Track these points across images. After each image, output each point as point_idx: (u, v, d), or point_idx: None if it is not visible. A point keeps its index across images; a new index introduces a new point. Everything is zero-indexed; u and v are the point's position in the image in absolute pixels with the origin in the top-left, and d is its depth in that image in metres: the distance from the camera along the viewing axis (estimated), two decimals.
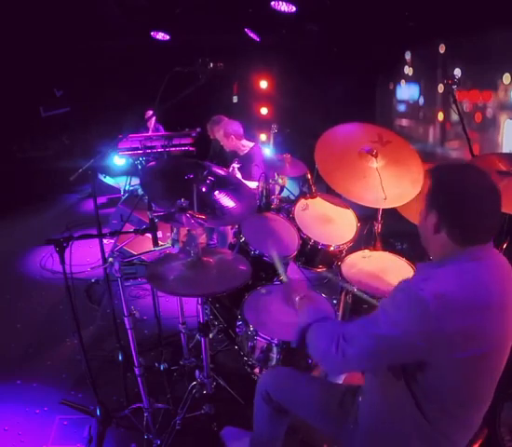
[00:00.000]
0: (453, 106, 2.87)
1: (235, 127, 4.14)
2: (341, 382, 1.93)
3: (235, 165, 3.89)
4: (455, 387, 1.37)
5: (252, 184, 3.68)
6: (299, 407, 1.77)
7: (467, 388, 1.39)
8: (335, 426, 1.67)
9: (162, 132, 5.75)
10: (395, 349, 1.34)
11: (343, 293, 2.59)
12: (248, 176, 3.92)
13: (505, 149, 4.19)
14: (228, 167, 4.15)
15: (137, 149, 4.29)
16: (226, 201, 2.33)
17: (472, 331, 1.29)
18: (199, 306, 2.24)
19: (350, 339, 1.38)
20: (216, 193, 2.35)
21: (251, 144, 4.20)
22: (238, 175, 3.84)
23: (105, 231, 2.32)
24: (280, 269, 2.02)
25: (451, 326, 1.27)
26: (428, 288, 1.29)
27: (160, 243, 2.54)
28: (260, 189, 3.35)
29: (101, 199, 6.37)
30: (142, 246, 3.73)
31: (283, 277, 1.99)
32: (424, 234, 1.50)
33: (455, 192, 1.40)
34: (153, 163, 2.63)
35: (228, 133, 4.09)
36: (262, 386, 1.84)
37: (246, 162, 4.06)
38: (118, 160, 6.01)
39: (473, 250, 1.39)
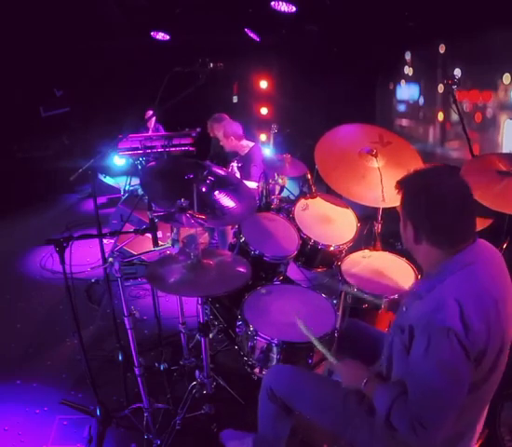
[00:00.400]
0: (453, 106, 2.87)
1: (235, 128, 4.15)
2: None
3: (235, 164, 3.89)
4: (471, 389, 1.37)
5: (252, 185, 3.68)
6: (303, 404, 1.78)
7: (475, 390, 1.39)
8: (339, 424, 1.68)
9: (162, 132, 5.75)
10: (461, 389, 1.32)
11: (343, 293, 2.59)
12: (247, 176, 3.92)
13: (505, 149, 4.18)
14: (228, 166, 4.16)
15: (137, 149, 4.29)
16: (226, 201, 2.33)
17: (490, 334, 1.32)
18: (199, 306, 2.24)
19: (425, 415, 1.33)
20: (216, 193, 2.35)
21: (251, 144, 4.21)
22: (237, 174, 3.85)
23: (105, 231, 2.33)
24: (324, 351, 1.78)
25: (479, 338, 1.29)
26: (448, 317, 1.29)
27: (160, 243, 2.53)
28: (260, 189, 3.35)
29: (101, 199, 6.37)
30: (142, 246, 3.72)
31: (331, 359, 1.74)
32: (408, 245, 1.50)
33: (419, 198, 1.41)
34: (153, 163, 2.63)
35: (228, 134, 4.12)
36: (266, 384, 1.85)
37: (245, 162, 4.06)
38: (118, 160, 6.01)
39: (461, 257, 1.39)
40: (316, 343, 1.85)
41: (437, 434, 1.35)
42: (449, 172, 1.43)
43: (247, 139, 4.27)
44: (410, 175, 1.49)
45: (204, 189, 2.30)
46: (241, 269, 2.13)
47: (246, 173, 3.97)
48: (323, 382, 1.84)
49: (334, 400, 1.69)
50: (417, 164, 2.51)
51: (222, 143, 4.28)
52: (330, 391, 1.73)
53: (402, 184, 1.48)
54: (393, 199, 2.45)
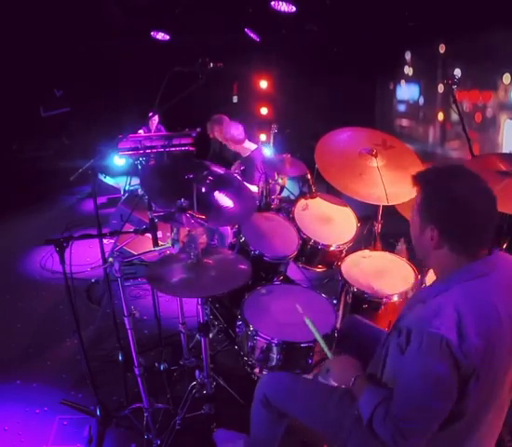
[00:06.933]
0: (453, 106, 2.88)
1: (235, 131, 4.18)
2: (334, 384, 1.92)
3: (237, 167, 3.92)
4: (469, 411, 1.34)
5: (253, 188, 3.70)
6: (297, 411, 1.77)
7: (478, 410, 1.36)
8: (333, 429, 1.67)
9: (162, 132, 5.75)
10: (445, 398, 1.28)
11: (343, 293, 2.59)
12: (250, 180, 3.94)
13: (505, 149, 4.19)
14: (229, 167, 4.17)
15: (137, 149, 4.29)
16: (226, 201, 2.33)
17: (490, 351, 1.27)
18: (199, 306, 2.24)
19: (404, 419, 1.30)
20: (216, 193, 2.35)
21: (254, 146, 4.23)
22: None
23: (105, 231, 2.32)
24: (324, 346, 1.77)
25: (474, 352, 1.24)
26: (443, 325, 1.24)
27: (160, 243, 2.53)
28: (260, 190, 3.35)
29: (101, 199, 6.37)
30: (142, 246, 3.72)
31: (328, 354, 1.75)
32: (423, 250, 1.40)
33: (452, 198, 1.29)
34: (152, 162, 2.62)
35: (226, 139, 4.15)
36: (260, 392, 1.83)
37: (248, 165, 4.08)
38: (118, 160, 6.01)
39: (475, 267, 1.33)
40: (318, 337, 1.82)
41: (417, 445, 1.31)
42: (476, 174, 1.32)
43: (249, 140, 4.29)
44: (436, 171, 1.36)
45: (204, 189, 2.31)
46: (241, 267, 2.13)
47: (248, 177, 3.99)
48: (316, 388, 1.81)
49: (327, 406, 1.67)
50: (417, 169, 2.52)
51: (225, 142, 4.30)
52: (322, 397, 1.71)
53: (425, 181, 1.33)
54: (390, 198, 2.48)
